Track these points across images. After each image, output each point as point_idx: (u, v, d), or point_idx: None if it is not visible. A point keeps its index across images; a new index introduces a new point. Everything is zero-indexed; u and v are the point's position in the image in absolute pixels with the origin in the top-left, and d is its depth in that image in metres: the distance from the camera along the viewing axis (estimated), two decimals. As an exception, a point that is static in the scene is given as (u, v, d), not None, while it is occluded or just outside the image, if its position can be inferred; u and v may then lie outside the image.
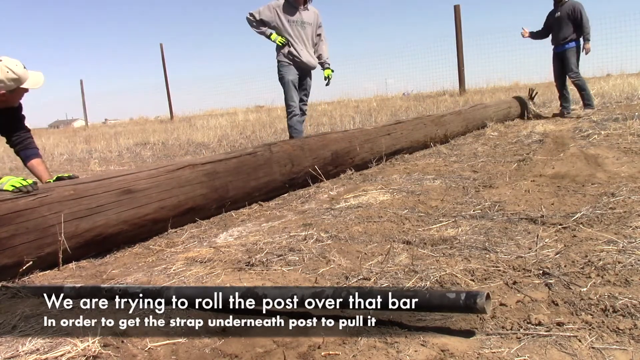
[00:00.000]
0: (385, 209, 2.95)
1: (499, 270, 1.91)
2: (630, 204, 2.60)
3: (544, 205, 2.78)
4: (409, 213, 2.84)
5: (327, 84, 5.31)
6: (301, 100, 5.18)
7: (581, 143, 4.71)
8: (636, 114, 6.08)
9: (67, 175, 2.77)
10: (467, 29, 18.55)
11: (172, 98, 15.70)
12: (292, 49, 4.99)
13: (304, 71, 5.13)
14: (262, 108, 15.09)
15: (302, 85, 5.19)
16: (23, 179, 2.36)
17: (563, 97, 7.21)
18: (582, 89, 7.01)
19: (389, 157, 4.73)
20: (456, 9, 10.62)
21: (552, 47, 7.11)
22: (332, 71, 5.29)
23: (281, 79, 5.09)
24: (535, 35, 7.30)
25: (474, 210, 2.78)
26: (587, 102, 7.03)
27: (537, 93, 8.12)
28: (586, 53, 6.76)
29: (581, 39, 6.78)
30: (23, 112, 3.00)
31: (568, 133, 5.51)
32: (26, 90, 2.79)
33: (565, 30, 6.81)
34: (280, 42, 4.96)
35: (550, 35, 7.11)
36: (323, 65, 5.25)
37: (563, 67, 6.99)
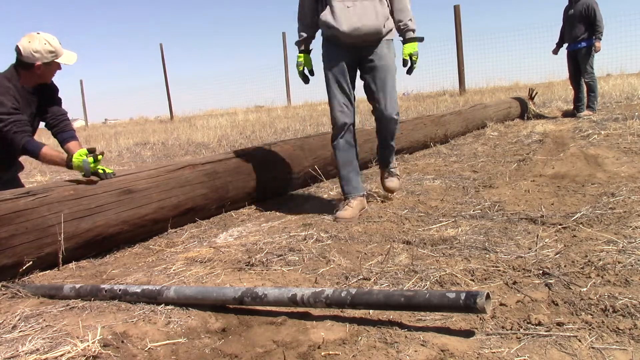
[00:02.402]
0: (385, 209, 2.95)
1: (499, 270, 1.91)
2: (630, 204, 2.60)
3: (544, 205, 2.78)
4: (409, 213, 2.84)
5: (408, 72, 2.92)
6: (375, 100, 2.95)
7: (581, 143, 4.70)
8: (636, 114, 6.08)
9: (101, 169, 2.61)
10: (467, 29, 18.58)
11: (172, 98, 15.73)
12: (327, 14, 2.77)
13: (356, 46, 2.83)
14: (262, 108, 15.09)
15: (366, 70, 2.90)
16: (87, 154, 2.54)
17: (577, 98, 7.11)
18: (591, 90, 6.92)
19: (389, 157, 4.73)
20: (456, 9, 10.62)
21: (566, 45, 7.04)
22: (417, 46, 2.89)
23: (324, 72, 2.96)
24: (559, 43, 7.19)
25: (473, 210, 2.78)
26: (590, 105, 6.99)
27: (537, 93, 8.12)
28: (595, 51, 6.68)
29: (594, 38, 6.66)
30: (59, 95, 3.00)
31: (568, 133, 5.51)
32: (59, 67, 2.81)
33: (578, 29, 6.69)
34: None
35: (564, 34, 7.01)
36: (403, 34, 2.91)
37: (577, 66, 6.91)
